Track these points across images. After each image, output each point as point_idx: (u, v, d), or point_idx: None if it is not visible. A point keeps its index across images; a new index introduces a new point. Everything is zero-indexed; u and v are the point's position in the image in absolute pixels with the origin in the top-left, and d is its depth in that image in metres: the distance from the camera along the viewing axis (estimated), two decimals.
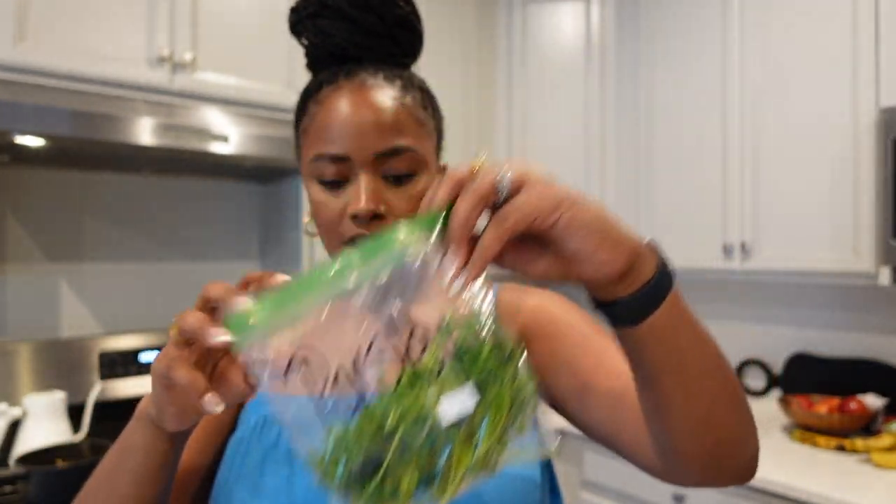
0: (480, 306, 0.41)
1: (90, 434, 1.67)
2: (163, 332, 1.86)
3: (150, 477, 0.53)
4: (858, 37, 1.67)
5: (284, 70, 1.79)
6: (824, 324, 2.05)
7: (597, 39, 2.32)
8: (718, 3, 2.00)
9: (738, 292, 2.28)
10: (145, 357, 1.80)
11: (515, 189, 0.41)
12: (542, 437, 0.43)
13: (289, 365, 0.41)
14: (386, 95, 0.61)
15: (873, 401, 1.74)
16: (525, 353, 0.41)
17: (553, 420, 0.63)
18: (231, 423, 0.68)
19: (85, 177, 1.82)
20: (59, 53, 1.42)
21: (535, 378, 0.41)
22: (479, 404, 0.39)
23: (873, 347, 1.93)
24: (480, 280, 0.41)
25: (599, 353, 0.62)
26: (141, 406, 0.53)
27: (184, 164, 1.74)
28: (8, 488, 1.27)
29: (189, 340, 0.43)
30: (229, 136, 1.57)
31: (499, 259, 0.42)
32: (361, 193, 0.59)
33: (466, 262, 0.41)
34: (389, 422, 0.38)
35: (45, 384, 1.64)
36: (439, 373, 0.40)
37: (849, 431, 1.73)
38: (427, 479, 0.38)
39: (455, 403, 0.39)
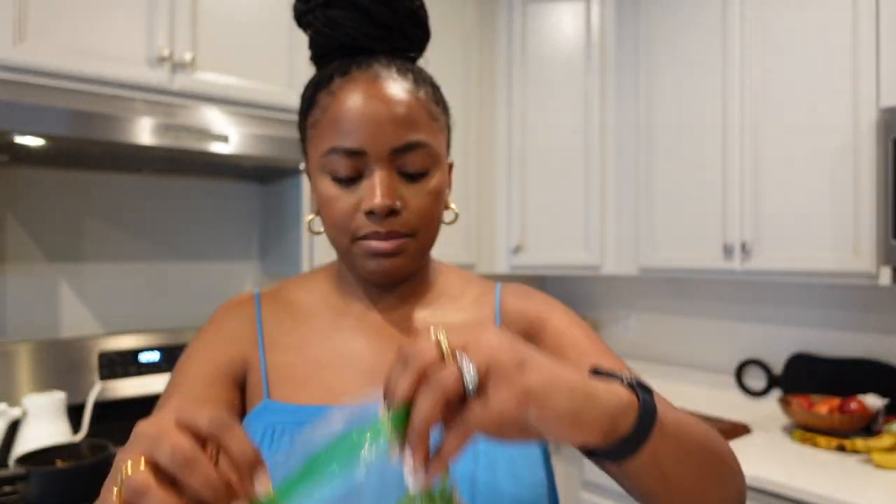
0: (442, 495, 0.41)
1: (90, 434, 1.67)
2: (163, 333, 1.86)
3: None
4: (859, 37, 1.66)
5: (284, 70, 1.79)
6: (825, 324, 2.05)
7: (597, 39, 2.32)
8: (719, 2, 2.00)
9: (738, 292, 2.28)
10: (145, 357, 1.80)
11: (482, 384, 0.38)
12: None
13: None
14: (401, 89, 0.60)
15: (874, 401, 1.74)
16: None
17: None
18: None
19: (85, 177, 1.82)
20: (58, 53, 1.42)
21: None
22: None
23: (874, 347, 1.93)
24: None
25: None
26: None
27: (184, 164, 1.74)
28: (7, 488, 1.27)
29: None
30: (229, 136, 1.57)
31: None
32: (377, 189, 0.58)
33: (426, 460, 0.39)
34: None
35: (44, 384, 1.63)
36: None
37: (849, 432, 1.72)
38: None
39: None
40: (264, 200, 2.14)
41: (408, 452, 0.39)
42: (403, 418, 0.39)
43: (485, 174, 2.38)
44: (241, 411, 0.65)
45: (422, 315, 0.68)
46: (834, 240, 1.72)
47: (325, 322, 0.67)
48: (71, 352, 1.69)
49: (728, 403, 2.20)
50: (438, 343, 0.40)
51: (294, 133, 1.68)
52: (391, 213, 0.58)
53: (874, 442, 1.57)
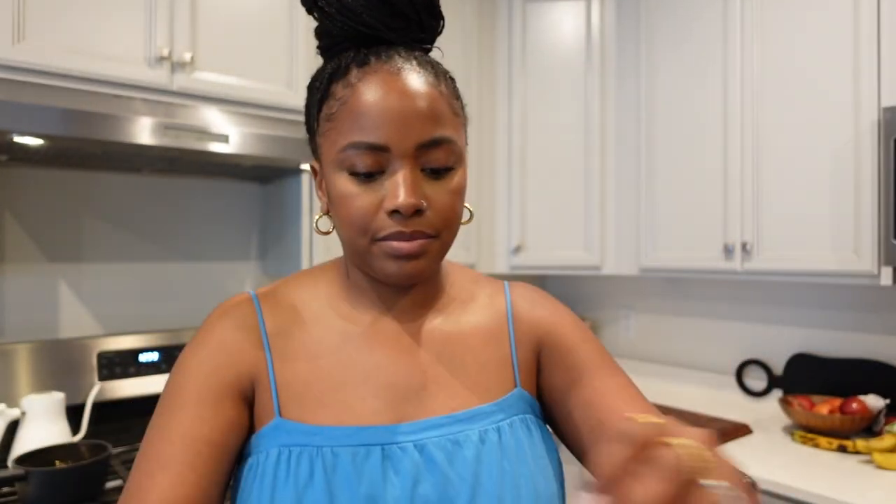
0: None
1: (89, 435, 1.67)
2: (162, 333, 1.85)
3: None
4: (860, 36, 1.66)
5: (284, 70, 1.78)
6: (825, 324, 2.05)
7: (597, 38, 2.31)
8: (720, 2, 1.99)
9: (738, 292, 2.28)
10: (144, 357, 1.79)
11: None
12: None
13: None
14: (425, 82, 0.57)
15: (875, 401, 1.74)
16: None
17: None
18: (236, 449, 0.59)
19: (84, 176, 1.81)
20: (58, 53, 1.42)
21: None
22: None
23: (875, 348, 1.93)
24: None
25: (618, 391, 0.62)
26: None
27: (183, 164, 1.74)
28: (6, 489, 1.27)
29: None
30: (229, 136, 1.57)
31: None
32: (402, 187, 0.55)
33: None
34: None
35: (43, 385, 1.63)
36: None
37: (850, 432, 1.72)
38: None
39: None
40: (264, 200, 2.14)
41: None
42: None
43: (485, 174, 2.37)
44: (250, 429, 0.60)
45: (437, 322, 0.66)
46: (835, 240, 1.72)
47: (335, 331, 0.63)
48: (70, 352, 1.68)
49: (728, 404, 2.19)
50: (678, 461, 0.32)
51: (294, 133, 1.67)
52: (416, 212, 0.55)
53: (875, 443, 1.57)
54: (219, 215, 2.06)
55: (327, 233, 0.67)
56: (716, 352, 2.36)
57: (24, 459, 1.26)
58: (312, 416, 0.58)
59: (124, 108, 1.44)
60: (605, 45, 2.32)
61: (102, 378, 1.71)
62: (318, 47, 0.63)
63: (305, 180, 1.90)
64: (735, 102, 1.95)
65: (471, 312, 0.68)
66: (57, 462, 1.31)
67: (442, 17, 0.62)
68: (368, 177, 0.56)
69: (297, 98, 1.79)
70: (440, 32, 0.63)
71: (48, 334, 1.75)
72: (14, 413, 1.46)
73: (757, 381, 2.21)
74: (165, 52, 1.55)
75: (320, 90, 0.59)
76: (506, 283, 0.73)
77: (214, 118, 1.58)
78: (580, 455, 0.64)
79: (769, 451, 1.68)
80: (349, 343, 0.62)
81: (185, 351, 0.61)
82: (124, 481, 1.38)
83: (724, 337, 2.33)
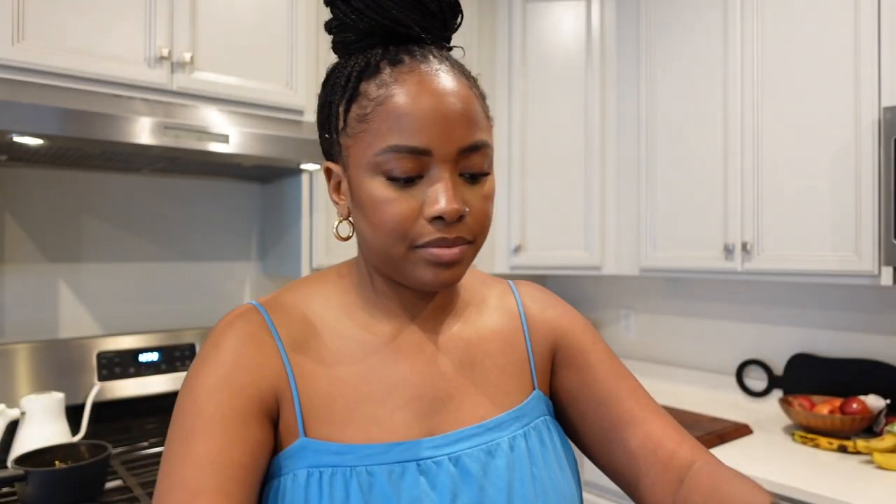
0: None
1: (89, 435, 1.67)
2: (162, 333, 1.85)
3: None
4: (860, 36, 1.66)
5: (284, 70, 1.78)
6: (826, 324, 2.05)
7: (597, 39, 2.31)
8: (720, 2, 1.99)
9: (738, 292, 2.28)
10: (144, 358, 1.79)
11: None
12: None
13: None
14: (462, 84, 0.55)
15: (875, 402, 1.74)
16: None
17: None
18: (265, 471, 0.55)
19: (84, 177, 1.81)
20: (57, 53, 1.42)
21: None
22: None
23: (875, 348, 1.93)
24: None
25: (630, 393, 0.66)
26: None
27: (183, 163, 1.73)
28: (6, 489, 1.26)
29: None
30: (229, 136, 1.56)
31: None
32: (446, 193, 0.53)
33: None
34: None
35: (43, 385, 1.63)
36: None
37: (850, 432, 1.72)
38: None
39: None
40: (264, 200, 2.14)
41: None
42: None
43: None
44: (274, 450, 0.56)
45: (456, 328, 0.65)
46: (835, 240, 1.72)
47: (354, 342, 0.60)
48: (70, 352, 1.68)
49: (729, 404, 2.19)
50: None
51: (294, 132, 1.67)
52: (458, 218, 0.54)
53: (876, 443, 1.56)
54: (219, 215, 2.06)
55: (347, 238, 0.63)
56: (716, 352, 2.36)
57: (23, 460, 1.26)
58: (340, 433, 0.56)
59: (124, 108, 1.44)
60: (605, 45, 2.32)
61: (102, 378, 1.71)
62: (335, 43, 0.59)
63: (305, 180, 1.90)
64: (735, 101, 1.95)
65: (485, 315, 0.67)
66: (57, 462, 1.31)
67: (462, 15, 0.60)
68: (408, 182, 0.53)
69: (297, 98, 1.79)
70: (457, 30, 0.62)
71: (48, 334, 1.74)
72: (14, 413, 1.46)
73: (757, 381, 2.21)
74: (165, 52, 1.55)
75: (347, 89, 0.56)
76: (510, 282, 0.73)
77: (214, 118, 1.58)
78: (592, 454, 0.67)
79: (769, 452, 1.68)
80: (371, 354, 0.60)
81: (196, 369, 0.55)
82: (124, 481, 1.38)
83: (725, 337, 2.33)
